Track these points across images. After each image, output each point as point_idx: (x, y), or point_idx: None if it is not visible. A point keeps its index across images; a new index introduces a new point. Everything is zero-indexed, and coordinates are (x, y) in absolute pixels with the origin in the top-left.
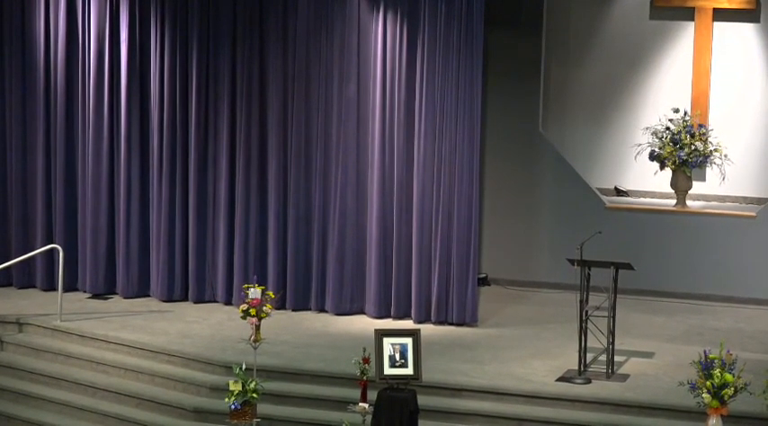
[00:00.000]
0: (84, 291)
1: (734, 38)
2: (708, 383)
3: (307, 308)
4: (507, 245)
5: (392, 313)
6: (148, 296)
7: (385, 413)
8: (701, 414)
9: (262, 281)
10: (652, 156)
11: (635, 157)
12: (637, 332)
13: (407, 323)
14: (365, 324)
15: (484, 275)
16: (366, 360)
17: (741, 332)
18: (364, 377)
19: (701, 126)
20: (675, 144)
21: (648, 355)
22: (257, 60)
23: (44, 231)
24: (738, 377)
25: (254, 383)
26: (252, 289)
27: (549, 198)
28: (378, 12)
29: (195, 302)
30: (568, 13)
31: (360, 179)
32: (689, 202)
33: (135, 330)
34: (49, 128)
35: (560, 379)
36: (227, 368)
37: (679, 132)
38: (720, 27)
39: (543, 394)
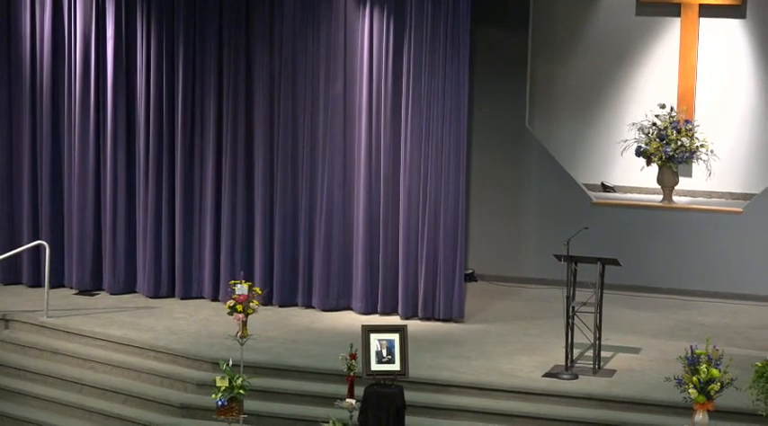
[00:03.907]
0: (71, 287)
1: (720, 33)
2: (694, 378)
3: (293, 304)
4: (494, 241)
5: (379, 309)
6: (135, 292)
7: (372, 409)
8: (688, 410)
9: (248, 277)
10: (638, 152)
11: (621, 153)
12: (623, 327)
13: (394, 319)
14: (352, 320)
15: (471, 271)
16: (353, 356)
17: (727, 328)
18: (351, 373)
19: (687, 121)
20: (662, 139)
21: (635, 350)
22: (244, 58)
23: (30, 227)
24: (725, 373)
25: (240, 379)
26: (239, 286)
27: (536, 194)
28: (364, 9)
29: (182, 298)
30: (555, 10)
31: (346, 176)
32: (675, 198)
33: (122, 326)
34: (35, 126)
35: (547, 375)
36: (214, 364)
37: (665, 128)
38: (706, 23)
39: (530, 390)
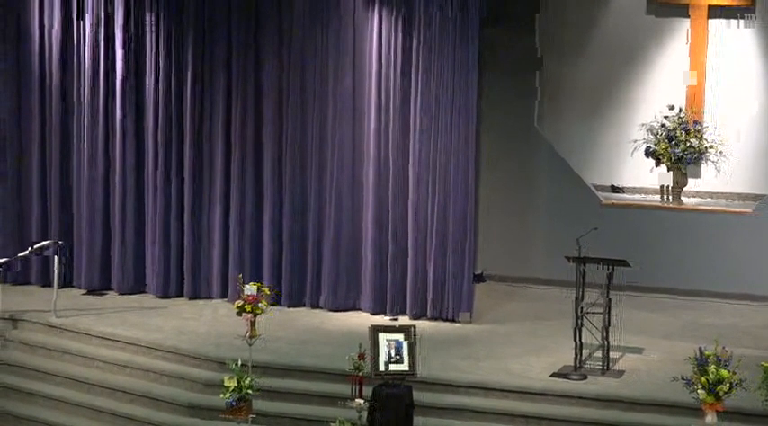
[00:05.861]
0: (80, 287)
1: (729, 34)
2: (703, 379)
3: (302, 304)
4: (503, 241)
5: (387, 308)
6: (144, 292)
7: (380, 409)
8: (697, 410)
9: (257, 277)
10: (647, 153)
11: (631, 153)
12: (632, 328)
13: (403, 319)
14: (361, 320)
15: (480, 271)
16: (361, 356)
17: (736, 328)
18: (359, 373)
19: (696, 123)
20: (671, 140)
21: (644, 351)
22: (253, 53)
23: (40, 227)
24: (734, 373)
25: (249, 379)
26: (247, 286)
27: (545, 194)
28: (373, 8)
29: (190, 298)
30: (564, 9)
31: (355, 174)
32: (684, 199)
33: (130, 326)
34: (44, 124)
35: (556, 375)
36: (222, 364)
37: (674, 129)
38: (716, 23)
39: (539, 390)
